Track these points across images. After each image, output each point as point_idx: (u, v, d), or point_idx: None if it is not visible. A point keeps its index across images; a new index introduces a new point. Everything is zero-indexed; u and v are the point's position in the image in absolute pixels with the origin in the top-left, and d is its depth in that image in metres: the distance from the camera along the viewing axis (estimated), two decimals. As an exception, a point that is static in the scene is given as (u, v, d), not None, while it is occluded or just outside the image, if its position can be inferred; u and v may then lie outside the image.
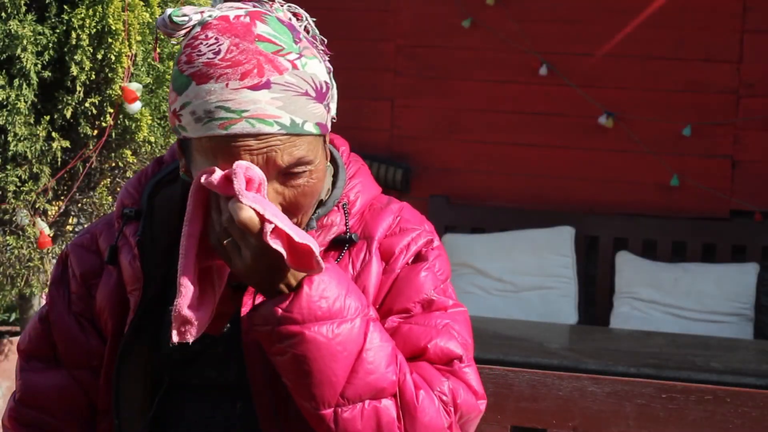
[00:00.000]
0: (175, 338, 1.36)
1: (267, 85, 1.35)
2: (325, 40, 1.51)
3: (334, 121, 1.51)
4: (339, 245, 1.50)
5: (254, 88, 1.35)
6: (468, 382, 1.47)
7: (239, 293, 1.49)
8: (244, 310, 1.46)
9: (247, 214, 1.31)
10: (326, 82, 1.43)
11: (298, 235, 1.33)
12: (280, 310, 1.35)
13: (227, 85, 1.35)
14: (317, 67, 1.42)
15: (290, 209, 1.41)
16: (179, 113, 1.39)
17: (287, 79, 1.36)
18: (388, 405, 1.39)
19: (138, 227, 1.52)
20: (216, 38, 1.37)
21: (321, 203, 1.51)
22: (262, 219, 1.32)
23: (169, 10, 1.43)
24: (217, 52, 1.36)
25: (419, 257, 1.53)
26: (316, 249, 1.33)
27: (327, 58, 1.49)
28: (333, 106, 1.47)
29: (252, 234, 1.32)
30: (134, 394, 1.50)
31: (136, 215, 1.54)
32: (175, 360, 1.51)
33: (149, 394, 1.51)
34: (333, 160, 1.56)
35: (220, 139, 1.35)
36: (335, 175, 1.55)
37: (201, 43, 1.38)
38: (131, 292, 1.52)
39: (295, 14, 1.49)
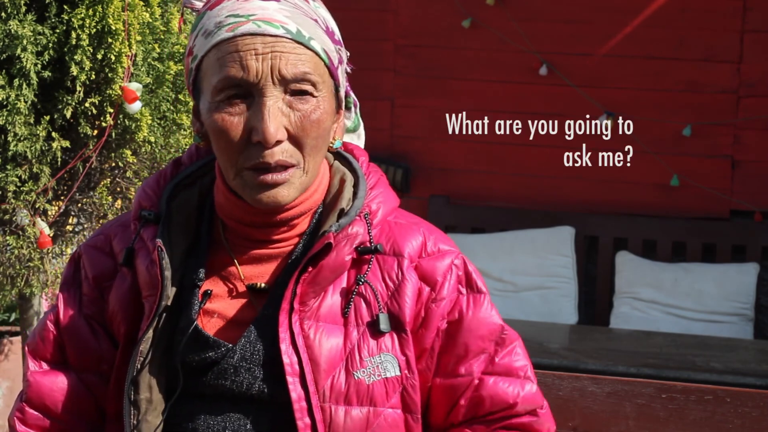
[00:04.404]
0: None
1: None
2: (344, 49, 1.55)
3: (349, 124, 1.60)
4: (363, 255, 1.49)
5: None
6: (550, 428, 1.57)
7: (260, 297, 1.48)
8: (282, 329, 1.43)
9: None
10: (338, 36, 1.49)
11: None
12: None
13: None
14: (329, 18, 1.48)
15: (296, 137, 1.42)
16: (192, 46, 1.45)
17: (297, 2, 1.44)
18: None
19: (156, 231, 1.50)
20: None
21: (342, 213, 1.50)
22: None
23: None
24: None
25: (472, 286, 1.54)
26: None
27: (347, 62, 1.55)
28: (343, 70, 1.51)
29: None
30: (146, 402, 1.47)
31: (155, 218, 1.51)
32: (190, 368, 1.47)
33: (161, 402, 1.48)
34: (353, 171, 1.56)
35: (227, 43, 1.40)
36: (356, 185, 1.54)
37: None
38: (146, 298, 1.49)
39: None
